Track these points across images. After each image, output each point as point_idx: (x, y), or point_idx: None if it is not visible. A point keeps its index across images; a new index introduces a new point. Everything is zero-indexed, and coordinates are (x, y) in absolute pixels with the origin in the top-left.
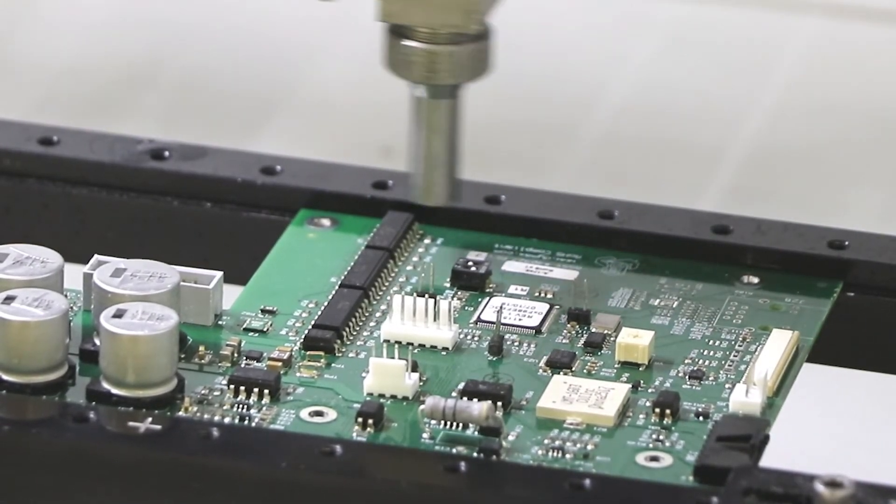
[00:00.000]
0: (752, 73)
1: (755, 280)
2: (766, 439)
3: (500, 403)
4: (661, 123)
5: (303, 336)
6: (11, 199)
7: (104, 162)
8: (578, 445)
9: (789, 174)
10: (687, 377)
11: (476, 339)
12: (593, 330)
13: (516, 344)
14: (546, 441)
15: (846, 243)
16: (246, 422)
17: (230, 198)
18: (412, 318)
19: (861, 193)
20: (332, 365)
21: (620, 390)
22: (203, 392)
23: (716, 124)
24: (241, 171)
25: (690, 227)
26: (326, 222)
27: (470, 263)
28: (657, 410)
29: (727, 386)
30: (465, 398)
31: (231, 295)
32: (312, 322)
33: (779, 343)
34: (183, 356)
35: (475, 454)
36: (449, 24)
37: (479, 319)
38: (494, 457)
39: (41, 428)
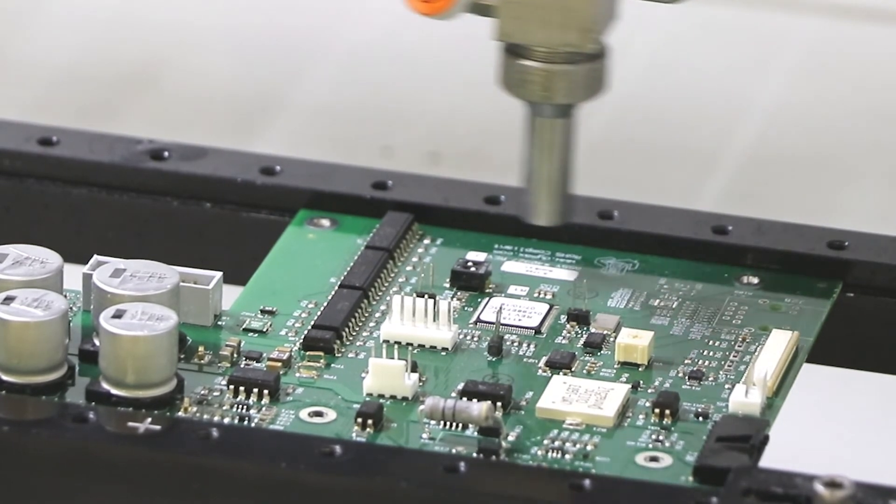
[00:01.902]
0: (752, 73)
1: (755, 280)
2: (765, 439)
3: (499, 403)
4: (660, 124)
5: (302, 336)
6: (11, 199)
7: (104, 162)
8: (578, 445)
9: (789, 174)
10: (686, 377)
11: (476, 339)
12: (593, 330)
13: (516, 344)
14: (546, 441)
15: (846, 243)
16: (245, 422)
17: (230, 198)
18: (412, 318)
19: (861, 193)
20: (332, 365)
21: (620, 391)
22: (203, 392)
23: (715, 124)
24: (240, 172)
25: (690, 227)
26: (326, 222)
27: (470, 264)
28: (657, 411)
29: (727, 386)
30: (464, 398)
31: (231, 295)
32: (312, 322)
33: (779, 343)
34: (182, 356)
35: (475, 454)
36: (565, 43)
37: (478, 320)
38: (494, 457)
39: (41, 428)
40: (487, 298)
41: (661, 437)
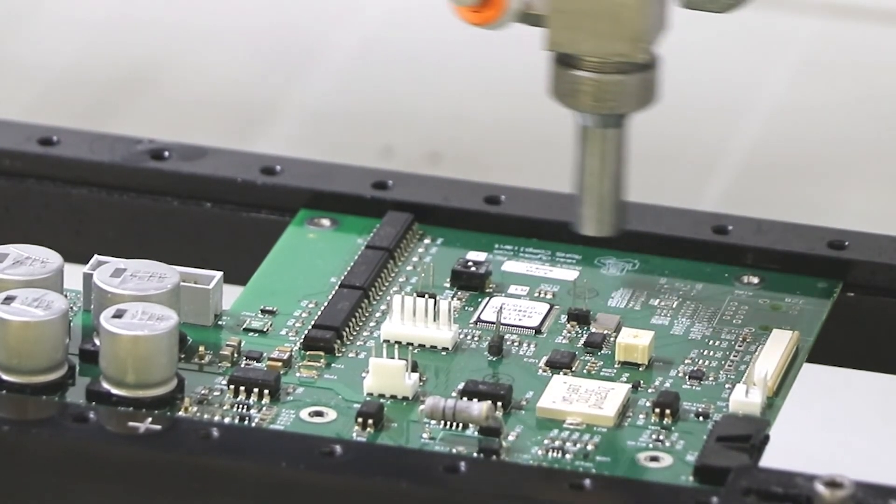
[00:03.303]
0: (752, 73)
1: (755, 280)
2: (766, 439)
3: (500, 403)
4: (660, 125)
5: (303, 336)
6: (11, 199)
7: (104, 162)
8: (578, 445)
9: (789, 174)
10: (687, 377)
11: (476, 339)
12: (593, 330)
13: (516, 344)
14: (546, 441)
15: (846, 243)
16: (246, 422)
17: (230, 198)
18: (412, 318)
19: (861, 193)
20: (332, 365)
21: (620, 390)
22: (203, 392)
23: (715, 125)
24: (241, 171)
25: (690, 227)
26: (326, 222)
27: (470, 263)
28: (657, 410)
29: (727, 386)
30: (464, 398)
31: (231, 295)
32: (312, 322)
33: (779, 343)
34: (183, 356)
35: (475, 454)
36: (616, 52)
37: (479, 319)
38: (494, 457)
39: (41, 428)
40: (488, 298)
41: (661, 437)
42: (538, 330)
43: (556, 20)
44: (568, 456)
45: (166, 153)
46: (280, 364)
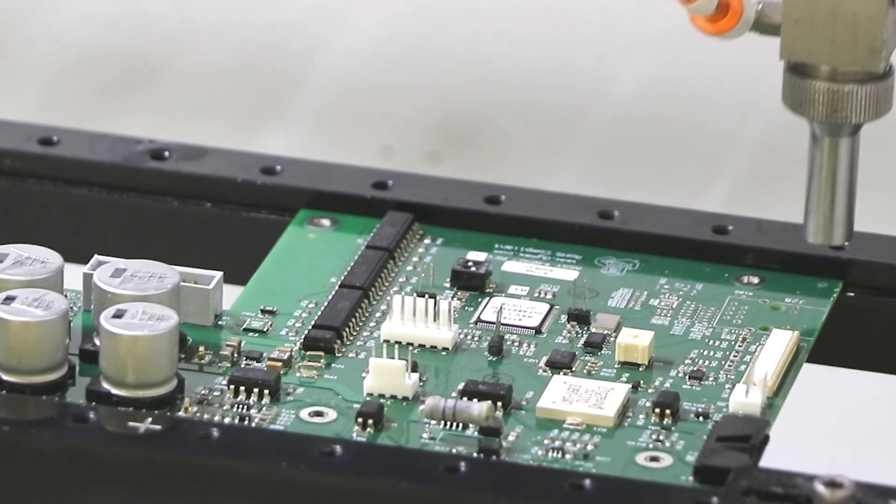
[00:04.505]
0: (754, 74)
1: (755, 280)
2: (766, 439)
3: (500, 403)
4: (661, 124)
5: (303, 336)
6: (11, 199)
7: (104, 162)
8: (578, 445)
9: (789, 174)
10: (687, 377)
11: (476, 339)
12: (593, 330)
13: (516, 344)
14: (546, 441)
15: (846, 243)
16: (246, 422)
17: (230, 198)
18: (412, 318)
19: (861, 193)
20: (332, 365)
21: (620, 390)
22: (203, 392)
23: (715, 125)
24: (241, 171)
25: (690, 227)
26: (326, 222)
27: (470, 263)
28: (657, 410)
29: (727, 386)
30: (464, 398)
31: (231, 295)
32: (312, 322)
33: (779, 343)
34: (183, 356)
35: (475, 454)
36: (853, 62)
37: (479, 319)
38: (494, 457)
39: (41, 428)
40: (488, 298)
41: (661, 437)
42: (538, 330)
43: (792, 29)
44: (568, 456)
45: (166, 153)
46: (280, 364)
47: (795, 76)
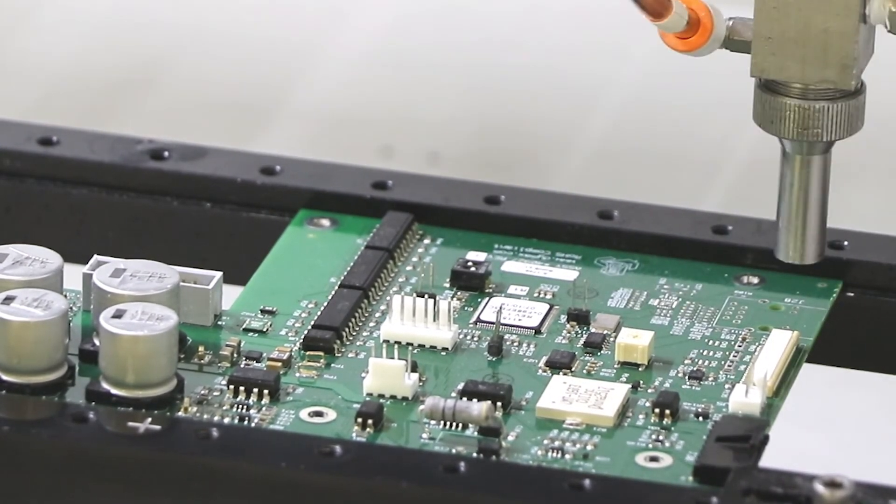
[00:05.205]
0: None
1: (755, 280)
2: (765, 439)
3: (499, 403)
4: (661, 126)
5: (302, 336)
6: (11, 199)
7: (104, 162)
8: (578, 446)
9: None
10: (687, 377)
11: (476, 339)
12: (593, 330)
13: (516, 344)
14: (546, 441)
15: (846, 243)
16: (245, 422)
17: (230, 198)
18: (412, 318)
19: (861, 193)
20: (332, 365)
21: (620, 390)
22: (203, 392)
23: (716, 125)
24: (240, 172)
25: (690, 227)
26: (326, 222)
27: (470, 263)
28: (657, 411)
29: (727, 386)
30: (464, 398)
31: (231, 295)
32: (312, 322)
33: (779, 343)
34: (182, 356)
35: (475, 454)
36: (825, 80)
37: (478, 320)
38: (494, 457)
39: (41, 428)
40: (487, 298)
41: (661, 437)
42: (538, 330)
43: (762, 46)
44: (567, 456)
45: (166, 153)
46: (280, 364)
47: (766, 93)
